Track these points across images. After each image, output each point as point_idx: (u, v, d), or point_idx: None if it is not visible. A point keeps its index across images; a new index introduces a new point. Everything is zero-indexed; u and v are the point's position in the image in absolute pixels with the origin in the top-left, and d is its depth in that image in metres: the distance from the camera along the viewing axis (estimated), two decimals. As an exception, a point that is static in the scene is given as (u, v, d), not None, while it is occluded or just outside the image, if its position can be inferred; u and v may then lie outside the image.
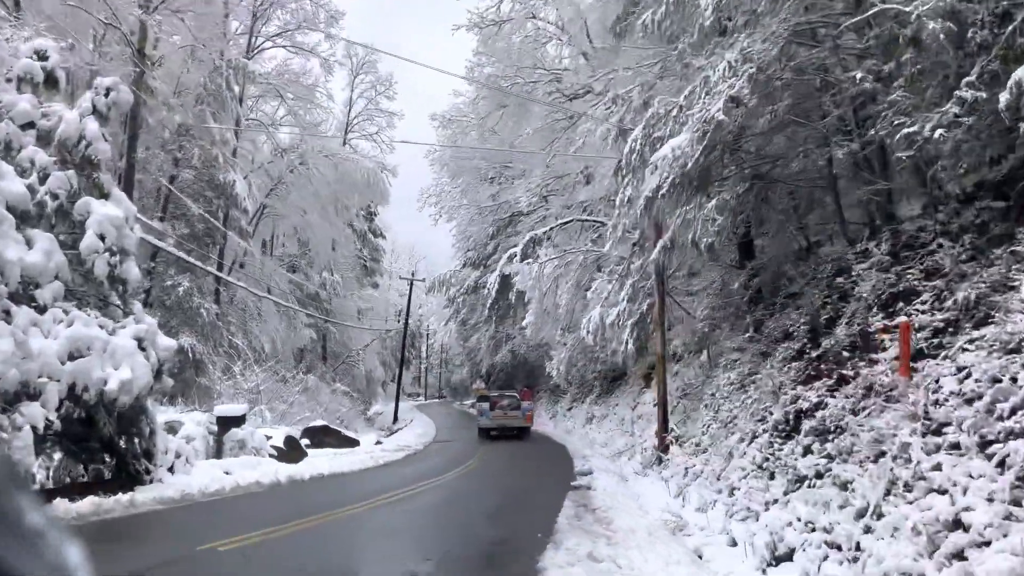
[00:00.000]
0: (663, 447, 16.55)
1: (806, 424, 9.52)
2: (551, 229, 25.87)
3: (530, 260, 23.30)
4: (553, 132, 26.68)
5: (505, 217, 39.82)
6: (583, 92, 25.19)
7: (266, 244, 43.20)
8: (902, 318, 8.75)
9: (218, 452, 16.74)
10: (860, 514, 7.29)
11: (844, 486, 7.87)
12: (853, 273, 11.40)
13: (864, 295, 10.36)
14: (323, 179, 35.35)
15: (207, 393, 28.86)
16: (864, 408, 8.67)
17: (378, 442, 28.50)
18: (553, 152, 25.88)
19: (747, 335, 14.26)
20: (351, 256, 48.87)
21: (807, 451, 9.17)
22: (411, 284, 48.03)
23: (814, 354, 10.82)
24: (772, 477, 9.59)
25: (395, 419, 46.71)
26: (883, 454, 7.76)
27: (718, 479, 11.26)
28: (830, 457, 8.58)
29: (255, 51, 35.81)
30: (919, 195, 11.44)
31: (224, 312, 33.10)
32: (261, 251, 40.13)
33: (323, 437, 26.51)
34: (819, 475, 8.55)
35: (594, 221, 26.05)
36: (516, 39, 27.40)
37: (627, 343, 18.04)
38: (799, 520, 8.13)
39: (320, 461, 18.80)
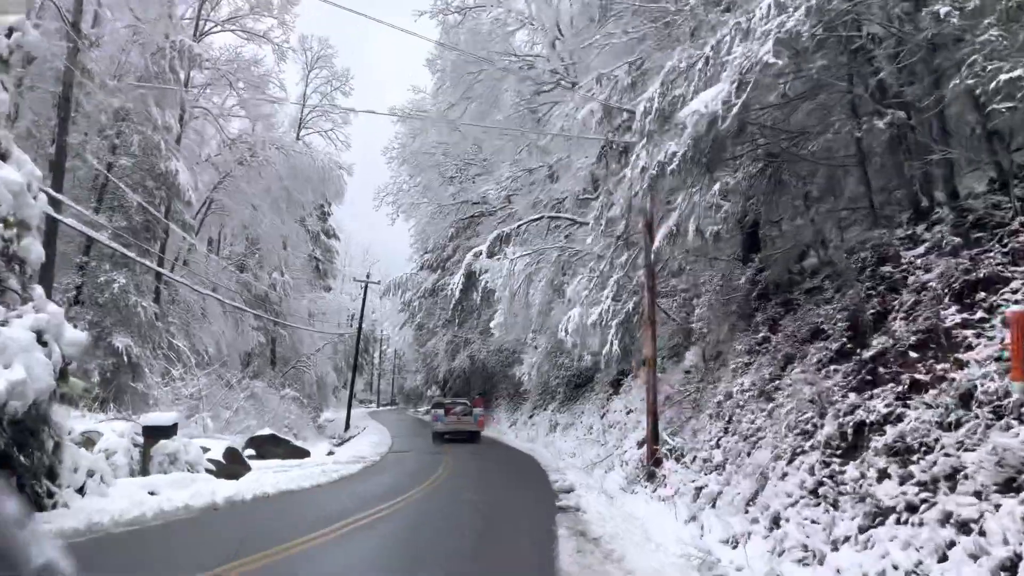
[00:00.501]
0: (654, 461, 14.46)
1: (876, 441, 7.48)
2: (519, 226, 23.70)
3: (498, 258, 21.10)
4: (524, 122, 24.58)
5: (466, 218, 37.55)
6: (552, 85, 23.17)
7: (213, 242, 40.22)
8: (1012, 309, 6.75)
9: (144, 468, 14.13)
10: (1004, 567, 5.25)
11: (963, 526, 5.82)
12: (903, 261, 9.46)
13: (932, 284, 8.40)
14: (274, 173, 32.68)
15: (143, 399, 26.05)
16: (962, 422, 6.66)
17: (330, 452, 25.94)
18: (527, 142, 23.75)
19: (758, 335, 12.26)
20: (303, 257, 46.09)
21: (883, 475, 7.12)
22: (365, 286, 45.44)
23: (865, 355, 8.80)
24: (835, 506, 7.52)
25: (347, 426, 44.03)
26: (1013, 482, 5.75)
27: (749, 504, 9.16)
28: (924, 485, 6.54)
29: (203, 35, 33.04)
30: (981, 167, 9.56)
31: (164, 312, 30.19)
32: (208, 249, 37.25)
33: (270, 447, 23.89)
34: (913, 508, 6.49)
35: (566, 219, 23.97)
36: (485, 24, 25.21)
37: (612, 344, 15.93)
38: (896, 569, 6.06)
39: (266, 477, 16.28)
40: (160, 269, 28.58)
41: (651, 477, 14.43)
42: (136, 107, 27.91)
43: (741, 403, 11.32)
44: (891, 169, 10.96)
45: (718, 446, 11.46)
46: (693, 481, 11.61)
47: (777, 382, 10.67)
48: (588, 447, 24.20)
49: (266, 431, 24.28)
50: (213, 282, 33.49)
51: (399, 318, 56.27)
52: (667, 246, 14.20)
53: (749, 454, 10.18)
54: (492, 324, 21.62)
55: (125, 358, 26.34)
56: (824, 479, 7.89)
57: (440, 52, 28.68)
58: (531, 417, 35.65)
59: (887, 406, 7.71)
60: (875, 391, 8.13)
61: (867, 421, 7.85)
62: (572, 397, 32.15)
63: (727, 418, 11.66)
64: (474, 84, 25.54)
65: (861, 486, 7.25)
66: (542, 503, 13.37)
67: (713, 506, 10.32)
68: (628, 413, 22.89)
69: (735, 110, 8.30)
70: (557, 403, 33.06)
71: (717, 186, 12.05)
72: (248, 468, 17.06)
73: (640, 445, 17.45)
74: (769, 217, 12.73)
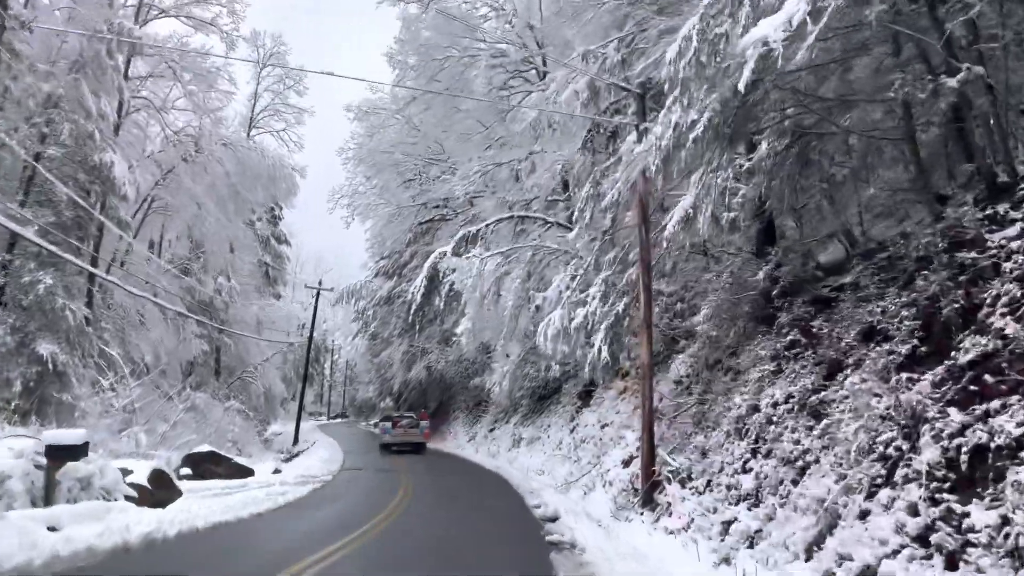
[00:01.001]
0: (650, 484, 12.33)
1: (1017, 473, 5.43)
2: (487, 226, 21.47)
3: (467, 256, 18.83)
4: (492, 115, 22.42)
5: (425, 222, 35.17)
6: (528, 68, 21.06)
7: (154, 244, 37.15)
8: None
9: (47, 497, 11.47)
10: None
11: None
12: (989, 244, 7.51)
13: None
14: (221, 170, 29.89)
15: (69, 411, 23.13)
16: None
17: (277, 470, 23.25)
18: (495, 136, 21.55)
19: (784, 339, 10.23)
20: (252, 262, 43.16)
21: (1036, 521, 5.08)
22: (317, 293, 42.63)
23: (960, 359, 6.79)
24: (962, 560, 5.44)
25: (296, 440, 41.19)
26: None
27: (814, 549, 7.04)
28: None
29: (146, 22, 30.22)
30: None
31: (97, 317, 27.17)
32: (150, 251, 34.21)
33: (210, 466, 21.16)
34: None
35: (538, 218, 21.84)
36: (452, 8, 22.97)
37: (600, 351, 13.76)
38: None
39: (198, 504, 13.68)
40: (93, 269, 25.60)
41: (648, 503, 12.29)
42: (69, 93, 25.04)
43: (774, 419, 9.25)
44: (951, 140, 9.06)
45: (746, 470, 9.35)
46: (714, 512, 9.48)
47: (823, 393, 8.61)
48: (558, 464, 22.03)
49: (205, 447, 21.55)
50: (154, 286, 30.53)
51: (352, 328, 53.46)
52: (664, 239, 12.17)
53: (796, 482, 8.08)
54: (459, 330, 19.31)
55: (51, 366, 23.33)
56: (936, 522, 5.82)
57: (401, 47, 26.41)
58: (492, 431, 33.35)
59: (1020, 426, 5.68)
60: (991, 405, 6.10)
61: (990, 446, 5.81)
62: (536, 410, 29.98)
63: (754, 437, 9.57)
64: (439, 72, 23.30)
65: (1006, 538, 5.18)
66: (528, 538, 11.09)
67: (750, 546, 8.20)
68: (603, 427, 20.78)
69: (810, 39, 6.25)
70: (520, 416, 30.84)
71: (725, 171, 10.08)
72: (178, 493, 14.43)
73: (626, 464, 15.32)
74: (792, 203, 10.73)
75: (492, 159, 23.06)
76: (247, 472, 21.26)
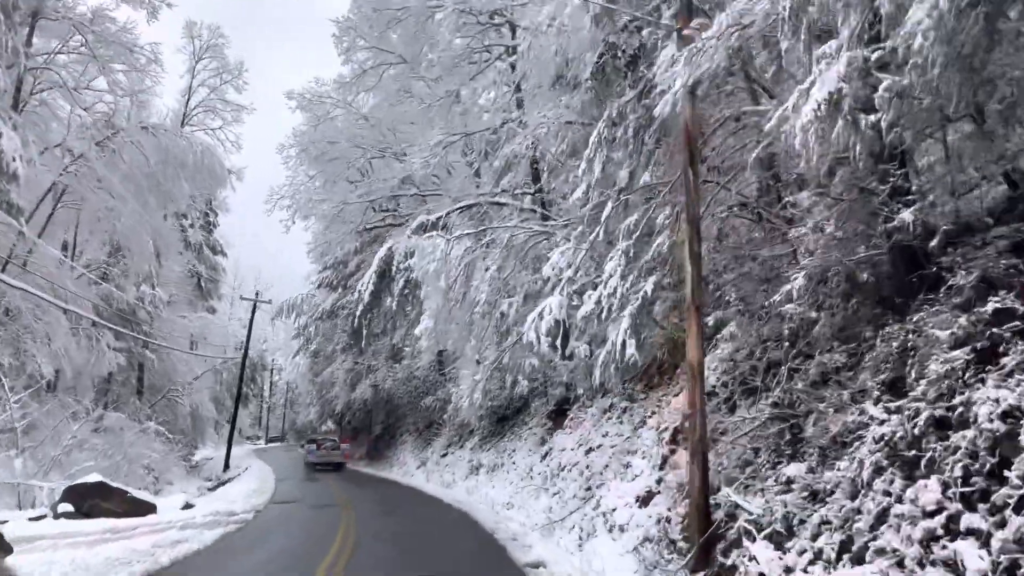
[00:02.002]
0: (708, 539, 8.02)
1: None
2: (448, 214, 17.07)
3: (429, 236, 14.36)
4: (459, 79, 18.12)
5: (372, 227, 30.43)
6: (496, 24, 16.85)
7: (68, 246, 31.61)
8: None
9: None
10: None
11: None
12: None
13: None
14: (141, 158, 24.79)
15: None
16: None
17: (188, 505, 18.09)
18: (458, 110, 17.20)
19: (981, 310, 6.04)
20: (181, 271, 37.79)
21: None
22: (253, 306, 37.47)
23: None
24: None
25: (226, 466, 35.74)
26: None
27: None
28: None
29: (56, -13, 25.14)
30: None
31: (-23, 320, 21.91)
32: (64, 253, 28.74)
33: (98, 501, 15.98)
34: None
35: (513, 205, 17.50)
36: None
37: (622, 345, 9.42)
38: None
39: (41, 564, 8.83)
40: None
41: (704, 566, 7.96)
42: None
43: (981, 443, 5.00)
44: None
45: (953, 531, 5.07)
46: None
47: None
48: (531, 497, 17.52)
49: (94, 478, 16.39)
50: (61, 289, 25.12)
51: (293, 346, 48.12)
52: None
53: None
54: (418, 330, 14.78)
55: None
56: None
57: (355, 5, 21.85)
58: (444, 456, 28.60)
59: None
60: None
61: None
62: (496, 432, 25.41)
63: (951, 473, 5.30)
64: (395, 26, 18.93)
65: None
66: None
67: None
68: (589, 452, 16.40)
69: None
70: (478, 440, 26.23)
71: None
72: (7, 550, 9.43)
73: (643, 502, 10.94)
74: (968, 100, 6.54)
75: (461, 128, 18.59)
76: (146, 508, 16.17)
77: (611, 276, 9.46)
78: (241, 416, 70.69)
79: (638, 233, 9.63)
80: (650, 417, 13.76)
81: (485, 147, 18.27)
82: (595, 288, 9.97)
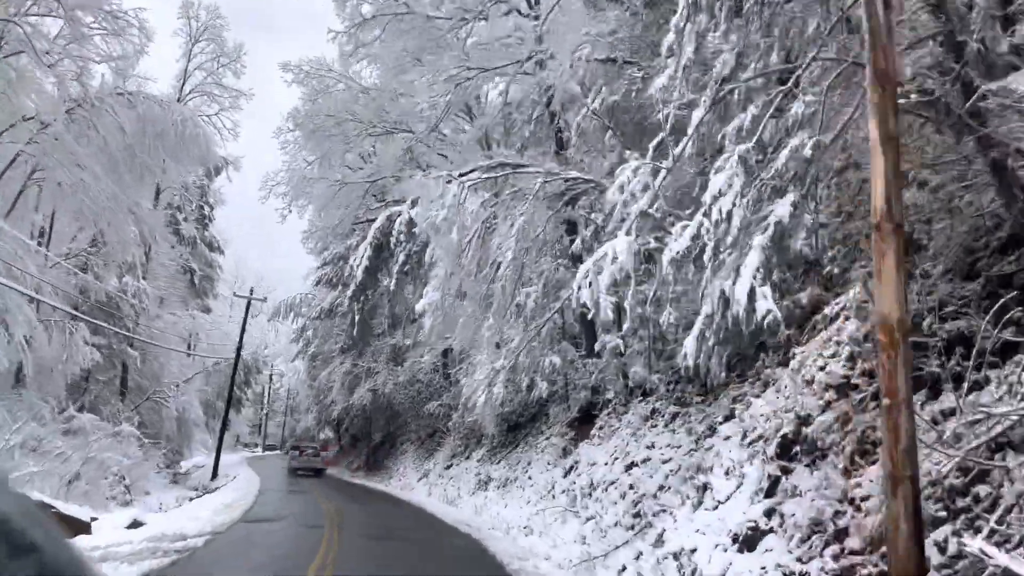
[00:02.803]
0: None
1: None
2: (464, 173, 13.36)
3: (434, 176, 10.62)
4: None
5: (371, 215, 26.75)
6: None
7: (44, 234, 28.04)
8: None
9: None
10: None
11: None
12: None
13: None
14: (115, 124, 21.18)
15: None
16: None
17: (136, 523, 14.27)
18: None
19: None
20: (175, 265, 34.08)
21: None
22: (248, 303, 33.78)
23: None
24: None
25: (215, 474, 31.91)
26: None
27: None
28: None
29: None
30: None
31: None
32: (38, 241, 25.17)
33: (18, 518, 12.25)
34: None
35: (535, 168, 13.77)
36: None
37: (748, 296, 5.68)
38: None
39: None
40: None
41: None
42: None
43: None
44: None
45: None
46: None
47: None
48: (554, 521, 13.78)
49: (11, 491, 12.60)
50: (33, 278, 21.49)
51: (292, 350, 44.36)
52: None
53: None
54: (420, 305, 11.12)
55: None
56: None
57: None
58: (448, 468, 24.80)
59: None
60: None
61: None
62: (507, 442, 21.67)
63: None
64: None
65: None
66: None
67: None
68: (631, 468, 12.65)
69: None
70: (486, 450, 22.47)
71: None
72: None
73: (748, 544, 7.19)
74: None
75: (477, 61, 14.81)
76: (77, 528, 12.44)
77: (720, 195, 5.82)
78: (238, 422, 66.58)
79: (756, 136, 6.00)
80: (722, 423, 10.06)
81: (502, 97, 14.54)
82: (682, 224, 6.28)
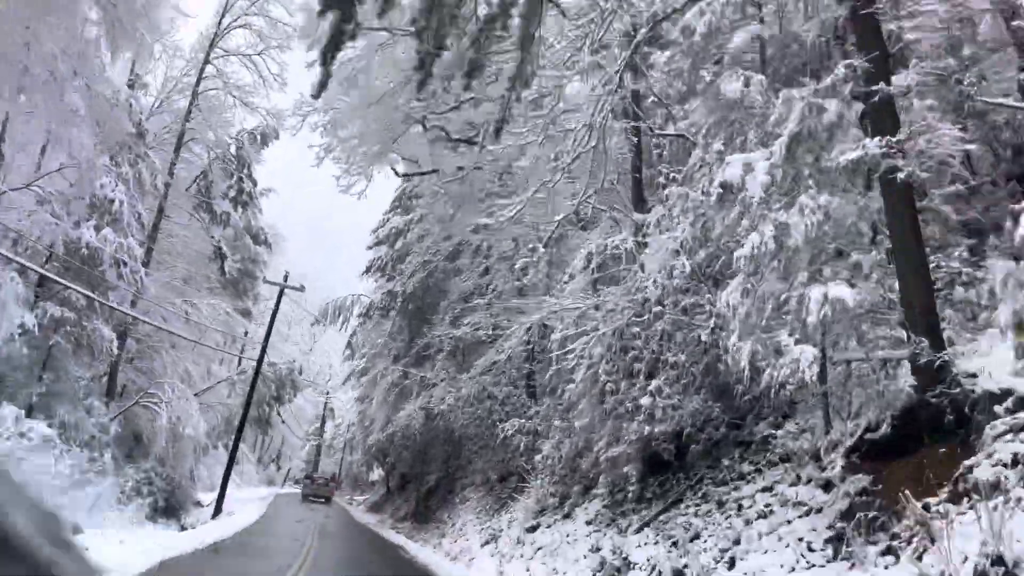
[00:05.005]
0: None
1: None
2: None
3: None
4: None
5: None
6: None
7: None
8: None
9: None
10: None
11: None
12: None
13: None
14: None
15: None
16: None
17: None
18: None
19: None
20: (198, 242, 24.96)
21: None
22: (280, 291, 24.27)
23: None
24: None
25: (217, 511, 21.78)
26: None
27: None
28: None
29: None
30: None
31: None
32: None
33: None
34: None
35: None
36: None
37: None
38: None
39: None
40: None
41: None
42: None
43: None
44: None
45: None
46: None
47: None
48: None
49: None
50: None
51: (344, 369, 34.52)
52: None
53: None
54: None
55: None
56: None
57: None
58: (532, 531, 13.72)
59: None
60: None
61: None
62: (658, 492, 10.82)
63: None
64: None
65: None
66: None
67: None
68: None
69: None
70: (609, 501, 11.65)
71: None
72: None
73: None
74: None
75: None
76: None
77: None
78: (289, 456, 56.50)
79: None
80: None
81: None
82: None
